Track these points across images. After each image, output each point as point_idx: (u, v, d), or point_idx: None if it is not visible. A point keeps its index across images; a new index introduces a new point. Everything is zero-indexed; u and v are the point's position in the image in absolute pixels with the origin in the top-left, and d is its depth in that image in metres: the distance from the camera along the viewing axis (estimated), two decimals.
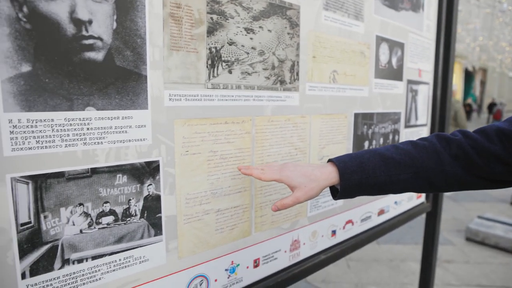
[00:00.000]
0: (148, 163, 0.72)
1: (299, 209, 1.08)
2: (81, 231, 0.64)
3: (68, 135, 0.61)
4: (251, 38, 0.86)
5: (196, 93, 0.77)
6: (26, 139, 0.56)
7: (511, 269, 3.22)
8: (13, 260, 0.57)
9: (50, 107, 0.58)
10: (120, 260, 0.70)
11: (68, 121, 0.60)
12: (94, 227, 0.66)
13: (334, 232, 1.24)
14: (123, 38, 0.65)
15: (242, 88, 0.86)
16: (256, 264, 0.98)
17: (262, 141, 0.93)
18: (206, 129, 0.81)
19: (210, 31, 0.78)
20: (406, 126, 1.50)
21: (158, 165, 0.73)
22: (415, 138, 1.56)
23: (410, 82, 1.46)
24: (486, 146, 0.69)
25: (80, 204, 0.64)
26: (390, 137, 1.41)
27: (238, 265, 0.93)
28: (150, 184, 0.73)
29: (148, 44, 0.68)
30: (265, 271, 1.01)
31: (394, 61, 1.35)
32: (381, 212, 1.46)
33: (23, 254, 0.58)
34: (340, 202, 1.24)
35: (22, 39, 0.54)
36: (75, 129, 0.61)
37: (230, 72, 0.83)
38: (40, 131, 0.58)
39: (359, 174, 0.74)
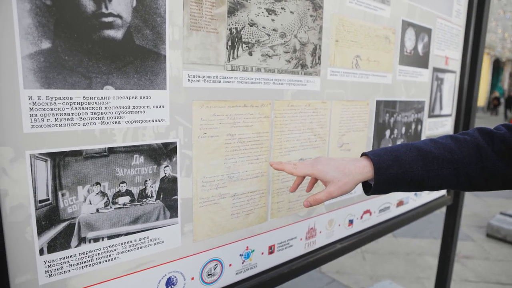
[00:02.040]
0: (165, 144, 0.71)
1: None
2: (97, 210, 0.64)
3: (86, 113, 0.60)
4: (272, 20, 0.83)
5: (215, 75, 0.76)
6: (45, 117, 0.56)
7: None
8: (32, 236, 0.58)
9: (69, 84, 0.58)
10: (135, 240, 0.70)
11: (87, 99, 0.60)
12: (111, 207, 0.66)
13: (351, 222, 1.22)
14: (142, 17, 0.63)
15: (262, 71, 0.84)
16: (271, 250, 0.97)
17: (281, 126, 0.91)
18: (224, 111, 0.79)
19: (231, 11, 0.75)
20: (430, 116, 1.45)
21: (175, 147, 0.73)
22: (438, 129, 1.52)
23: (436, 70, 1.41)
24: None
25: (97, 183, 0.64)
26: (413, 126, 1.37)
27: (253, 250, 0.93)
28: (167, 166, 0.72)
29: (168, 23, 0.67)
30: (280, 258, 1.00)
31: (420, 48, 1.30)
32: (400, 203, 1.43)
33: (41, 230, 0.59)
34: (358, 191, 1.21)
35: (42, 15, 0.54)
36: (93, 108, 0.61)
37: (250, 54, 0.80)
38: (59, 108, 0.57)
39: (395, 169, 0.70)
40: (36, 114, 0.55)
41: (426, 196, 1.58)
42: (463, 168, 0.69)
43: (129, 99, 0.65)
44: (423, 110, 1.40)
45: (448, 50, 1.46)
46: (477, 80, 1.61)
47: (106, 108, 0.62)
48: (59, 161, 0.59)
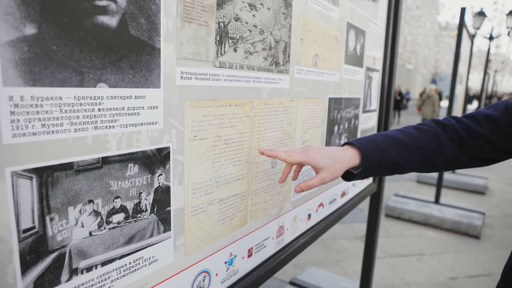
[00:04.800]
0: (159, 150, 0.63)
1: (285, 195, 1.07)
2: (90, 233, 0.53)
3: (77, 117, 0.49)
4: (253, 15, 0.80)
5: (205, 72, 0.69)
6: (30, 122, 0.44)
7: (424, 239, 3.67)
8: (14, 276, 0.45)
9: (58, 81, 0.46)
10: (130, 263, 0.60)
11: (78, 99, 0.49)
12: (104, 228, 0.55)
13: (309, 216, 1.25)
14: (137, 2, 0.54)
15: (244, 68, 0.80)
16: (249, 253, 0.94)
17: (259, 125, 0.88)
18: (212, 111, 0.73)
19: (219, 4, 0.70)
20: (364, 111, 1.58)
21: (169, 152, 0.64)
22: (368, 123, 1.66)
23: (368, 69, 1.54)
24: (477, 129, 0.77)
25: (90, 201, 0.53)
26: (353, 121, 1.47)
27: (236, 256, 0.88)
28: (161, 174, 0.64)
29: (162, 12, 0.59)
30: (257, 260, 0.98)
31: (358, 48, 1.40)
32: (343, 194, 1.52)
33: (25, 268, 0.46)
34: None
35: None
36: (85, 110, 0.50)
37: (235, 50, 0.76)
38: (47, 111, 0.46)
39: (378, 155, 0.78)
40: (19, 119, 0.43)
41: (360, 186, 1.72)
42: (427, 153, 0.80)
43: (124, 99, 0.55)
44: (359, 106, 1.52)
45: (375, 51, 1.60)
46: (394, 78, 1.82)
47: (99, 110, 0.52)
48: (46, 177, 0.47)
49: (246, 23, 0.78)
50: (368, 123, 1.66)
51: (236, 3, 0.74)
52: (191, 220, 0.72)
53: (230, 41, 0.74)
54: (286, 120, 1.00)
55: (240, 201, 0.87)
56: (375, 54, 1.60)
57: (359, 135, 1.56)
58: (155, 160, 0.62)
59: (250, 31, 0.79)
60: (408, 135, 0.80)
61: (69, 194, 0.50)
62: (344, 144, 0.82)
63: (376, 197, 2.00)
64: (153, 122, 0.60)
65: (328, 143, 1.29)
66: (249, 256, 0.94)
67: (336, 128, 1.32)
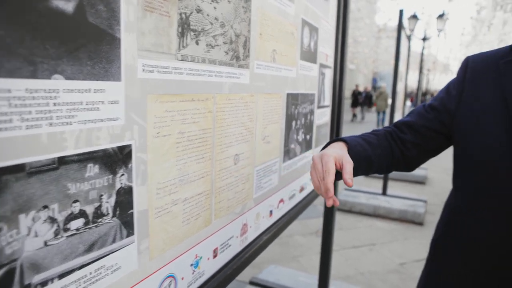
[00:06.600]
0: (121, 148, 0.58)
1: (247, 192, 1.05)
2: (45, 243, 0.48)
3: (30, 112, 0.44)
4: (214, 8, 0.77)
5: (167, 65, 0.66)
6: None
7: (374, 230, 3.86)
8: None
9: (7, 72, 0.41)
10: (90, 273, 0.55)
11: (31, 92, 0.43)
12: (61, 236, 0.50)
13: (271, 212, 1.25)
14: None
15: (206, 62, 0.77)
16: (215, 254, 0.92)
17: (221, 121, 0.86)
18: (175, 107, 0.70)
19: None
20: (318, 107, 1.61)
21: (131, 150, 0.60)
22: (323, 118, 1.70)
23: (321, 65, 1.57)
24: (402, 136, 0.89)
25: (45, 207, 0.47)
26: (309, 117, 1.49)
27: (201, 257, 0.85)
28: (123, 174, 0.59)
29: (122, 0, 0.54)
30: (222, 260, 0.95)
31: (312, 45, 1.42)
32: (302, 189, 1.55)
33: None
34: (276, 182, 1.25)
35: None
36: (38, 104, 0.45)
37: (197, 43, 0.73)
38: None
39: (358, 147, 0.85)
40: None
41: None
42: (383, 152, 0.88)
43: (82, 92, 0.50)
44: (314, 102, 1.55)
45: (327, 48, 1.65)
46: (344, 75, 1.88)
47: (54, 104, 0.47)
48: None
49: (208, 15, 0.75)
50: (322, 119, 1.70)
51: None
52: (156, 222, 0.68)
53: (192, 33, 0.71)
54: (247, 115, 0.98)
55: (204, 200, 0.84)
56: (327, 51, 1.65)
57: (314, 130, 1.60)
58: (117, 159, 0.57)
59: (212, 23, 0.77)
60: (369, 137, 0.89)
61: (20, 200, 0.44)
62: (327, 143, 0.87)
63: None
64: (113, 118, 0.56)
65: (287, 138, 1.30)
66: (214, 256, 0.91)
67: (293, 123, 1.34)
